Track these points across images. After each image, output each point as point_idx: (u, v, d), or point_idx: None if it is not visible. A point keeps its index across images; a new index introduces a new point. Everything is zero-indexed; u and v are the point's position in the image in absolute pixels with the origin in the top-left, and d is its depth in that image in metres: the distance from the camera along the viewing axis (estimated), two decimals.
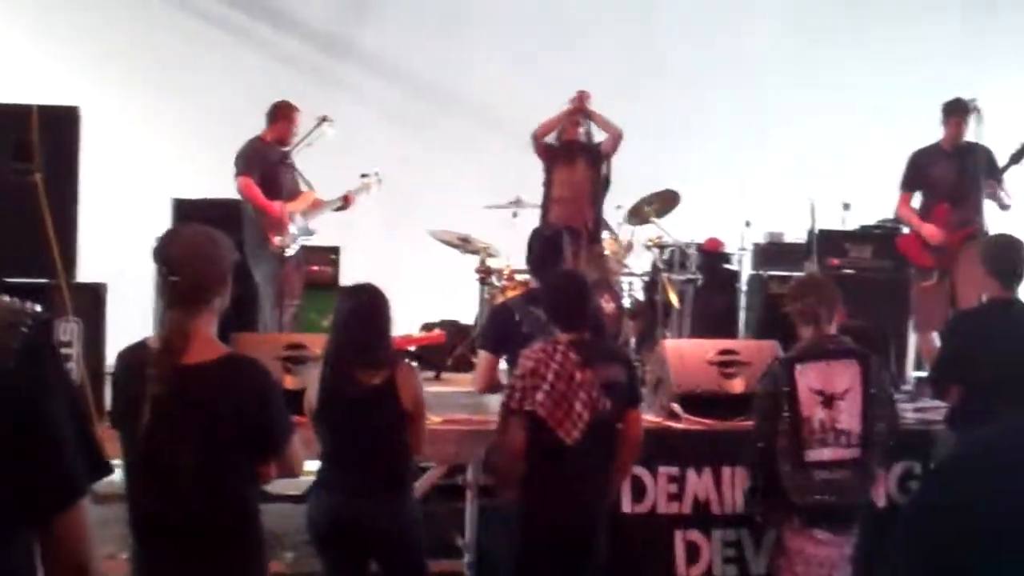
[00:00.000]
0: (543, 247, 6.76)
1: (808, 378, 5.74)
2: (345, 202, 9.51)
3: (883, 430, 5.78)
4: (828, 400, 5.71)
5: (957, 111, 9.10)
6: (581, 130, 9.45)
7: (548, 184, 9.40)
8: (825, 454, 5.70)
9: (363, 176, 9.52)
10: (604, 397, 5.52)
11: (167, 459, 3.94)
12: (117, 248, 9.88)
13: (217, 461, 3.96)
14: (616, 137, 9.35)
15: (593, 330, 5.88)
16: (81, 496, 2.45)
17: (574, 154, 9.38)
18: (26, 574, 2.41)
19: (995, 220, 8.94)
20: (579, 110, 9.44)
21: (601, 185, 9.37)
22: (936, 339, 8.59)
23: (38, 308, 2.41)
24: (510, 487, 5.63)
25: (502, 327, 6.55)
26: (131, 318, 9.38)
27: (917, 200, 9.43)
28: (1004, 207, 9.05)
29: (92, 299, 8.08)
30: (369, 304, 5.40)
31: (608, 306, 8.72)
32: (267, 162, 9.17)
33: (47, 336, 2.45)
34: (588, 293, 5.96)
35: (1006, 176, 9.04)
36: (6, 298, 2.44)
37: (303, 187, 9.39)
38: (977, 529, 1.57)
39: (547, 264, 6.54)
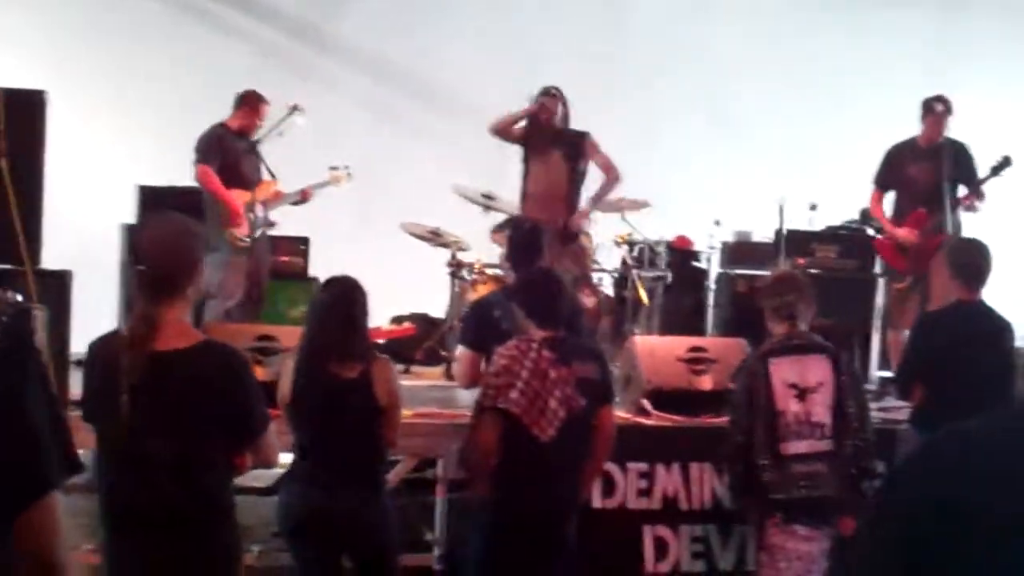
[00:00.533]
0: (522, 242, 6.73)
1: (782, 372, 5.79)
2: (303, 196, 9.40)
3: (854, 414, 5.80)
4: (802, 393, 5.76)
5: (937, 107, 9.02)
6: (558, 114, 9.05)
7: (524, 175, 9.14)
8: (801, 447, 5.74)
9: (332, 169, 9.42)
10: (578, 395, 5.51)
11: (143, 449, 3.92)
12: (82, 235, 9.82)
13: (193, 451, 3.95)
14: (614, 181, 9.10)
15: (568, 327, 5.87)
16: (51, 491, 2.41)
17: (548, 146, 9.04)
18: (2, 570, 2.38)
19: (966, 223, 8.94)
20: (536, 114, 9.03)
21: (578, 181, 9.11)
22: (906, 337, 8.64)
23: (18, 297, 2.37)
24: (482, 483, 5.60)
25: (482, 323, 6.52)
26: (96, 306, 9.35)
27: (890, 198, 9.38)
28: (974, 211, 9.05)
29: (57, 286, 7.99)
30: (346, 297, 5.37)
31: (589, 300, 8.69)
32: (229, 150, 9.06)
33: (26, 327, 2.42)
34: (564, 290, 5.95)
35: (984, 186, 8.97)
36: None
37: (266, 177, 9.26)
38: (948, 521, 1.58)
39: (525, 259, 6.51)
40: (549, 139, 9.02)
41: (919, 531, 1.60)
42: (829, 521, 5.77)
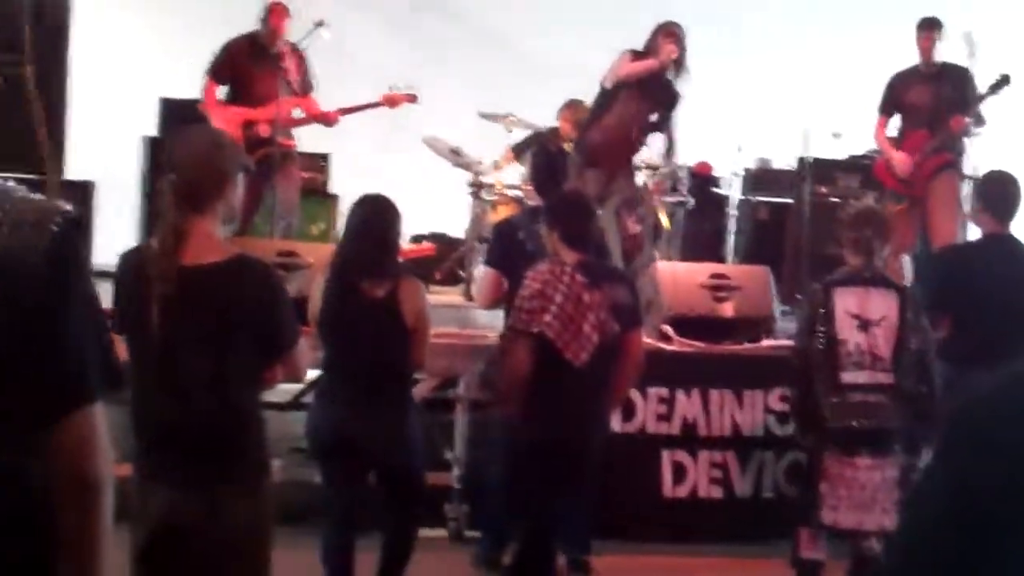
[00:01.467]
0: (546, 165, 6.67)
1: (846, 302, 5.78)
2: (325, 118, 9.03)
3: (917, 351, 5.80)
4: (864, 325, 5.73)
5: (925, 27, 8.92)
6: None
7: (606, 109, 8.54)
8: (861, 377, 5.72)
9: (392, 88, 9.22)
10: (612, 320, 5.48)
11: (177, 363, 3.92)
12: (104, 147, 9.81)
13: (225, 364, 3.94)
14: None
15: (596, 250, 5.84)
16: (91, 402, 2.37)
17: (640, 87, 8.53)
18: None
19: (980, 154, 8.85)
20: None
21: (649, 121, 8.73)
22: (905, 262, 8.59)
23: (68, 207, 2.33)
24: (515, 405, 5.56)
25: (507, 244, 6.48)
26: (117, 218, 9.37)
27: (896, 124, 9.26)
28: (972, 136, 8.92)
29: (80, 196, 8.01)
30: (379, 216, 5.37)
31: (634, 228, 8.61)
32: (241, 66, 8.83)
33: (75, 237, 2.37)
34: (593, 213, 5.92)
35: (983, 105, 8.80)
36: (36, 196, 2.36)
37: (286, 94, 8.85)
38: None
39: (551, 182, 6.46)
40: (647, 82, 8.57)
41: (980, 480, 1.57)
42: (893, 450, 5.77)
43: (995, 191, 6.67)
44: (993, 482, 1.52)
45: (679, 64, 8.46)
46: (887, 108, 9.19)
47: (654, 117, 8.60)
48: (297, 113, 8.92)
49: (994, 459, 1.53)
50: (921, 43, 8.97)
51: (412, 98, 9.23)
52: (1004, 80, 8.70)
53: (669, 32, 8.47)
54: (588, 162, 8.30)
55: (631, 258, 8.12)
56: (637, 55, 8.45)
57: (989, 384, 1.82)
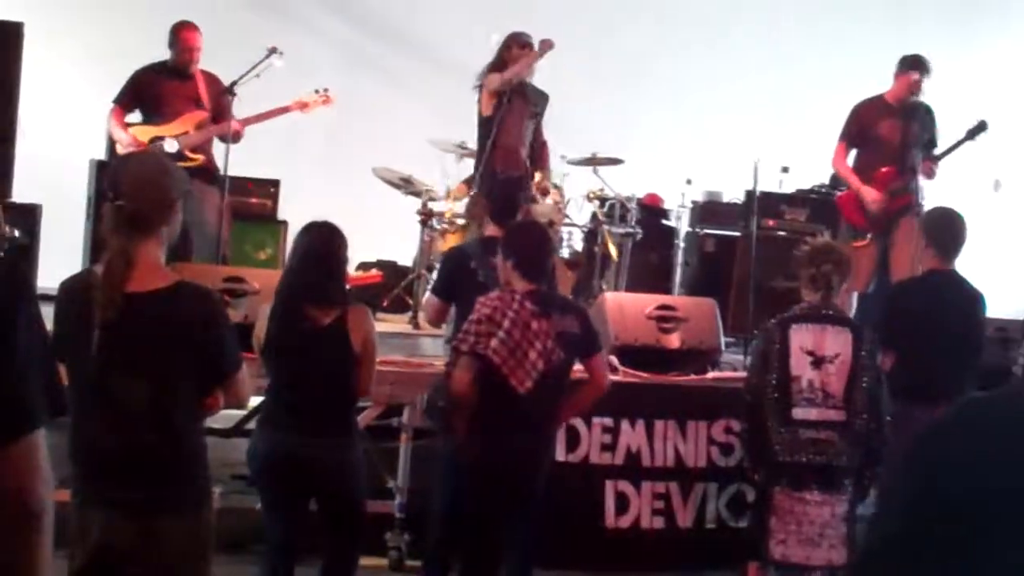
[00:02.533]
0: (506, 193, 6.70)
1: (802, 338, 5.81)
2: (232, 131, 8.63)
3: (868, 389, 5.84)
4: (818, 361, 5.77)
5: (916, 66, 8.82)
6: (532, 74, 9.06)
7: (498, 126, 8.91)
8: (812, 414, 5.76)
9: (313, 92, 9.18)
10: (558, 348, 5.50)
11: (117, 389, 3.91)
12: (53, 169, 9.76)
13: (168, 391, 3.94)
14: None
15: (548, 281, 5.87)
16: (35, 428, 2.37)
17: (518, 97, 8.99)
18: None
19: (933, 192, 8.92)
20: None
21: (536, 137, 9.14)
22: (854, 300, 8.59)
23: (16, 233, 2.33)
24: (459, 426, 5.56)
25: (457, 272, 6.49)
26: (63, 241, 9.30)
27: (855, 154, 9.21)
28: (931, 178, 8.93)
29: (27, 219, 7.95)
30: (325, 242, 5.37)
31: None
32: (149, 88, 8.80)
33: (21, 264, 2.37)
34: (551, 243, 5.95)
35: (959, 150, 8.83)
36: None
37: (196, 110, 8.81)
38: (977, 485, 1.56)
39: (507, 211, 6.48)
40: (519, 91, 8.99)
41: (937, 501, 1.58)
42: (842, 487, 5.80)
43: (940, 228, 6.75)
44: (950, 503, 1.54)
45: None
46: (852, 137, 9.08)
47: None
48: (207, 126, 8.79)
49: (950, 481, 1.55)
50: (904, 82, 8.86)
51: (327, 100, 9.13)
52: (981, 126, 8.72)
53: (524, 43, 8.88)
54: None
55: None
56: (496, 69, 8.80)
57: (946, 412, 1.84)
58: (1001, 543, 1.48)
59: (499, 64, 8.90)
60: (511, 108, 8.86)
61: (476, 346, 5.41)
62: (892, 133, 8.88)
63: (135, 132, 8.64)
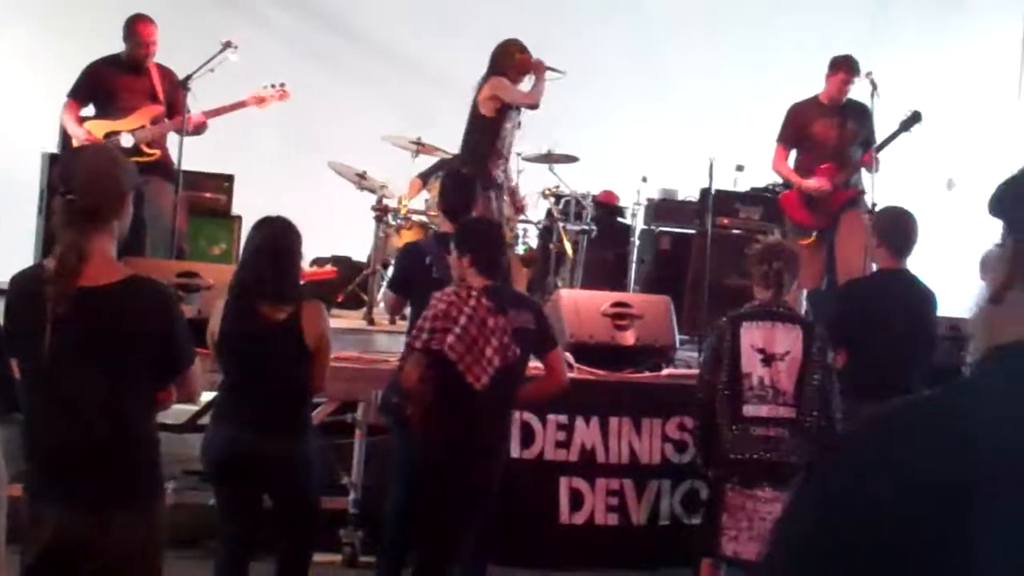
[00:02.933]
0: (460, 190, 6.69)
1: (752, 336, 5.86)
2: (191, 125, 8.60)
3: (819, 387, 5.86)
4: (768, 359, 5.81)
5: (845, 67, 8.92)
6: None
7: (497, 134, 8.82)
8: (762, 411, 5.80)
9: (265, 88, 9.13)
10: (514, 344, 5.50)
11: (70, 384, 3.88)
12: (3, 162, 9.70)
13: (120, 386, 3.91)
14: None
15: (503, 277, 5.87)
16: None
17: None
18: None
19: (878, 187, 8.93)
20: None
21: None
22: (803, 297, 8.61)
23: None
24: (416, 422, 5.55)
25: (412, 267, 6.48)
26: (13, 233, 9.24)
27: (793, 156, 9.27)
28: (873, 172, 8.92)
29: None
30: (279, 237, 5.34)
31: None
32: (102, 82, 8.72)
33: None
34: (503, 239, 5.95)
35: (894, 143, 8.90)
36: None
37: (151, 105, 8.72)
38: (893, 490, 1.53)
39: (462, 208, 6.47)
40: None
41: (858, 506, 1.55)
42: (792, 484, 5.82)
43: (891, 226, 6.79)
44: (875, 508, 1.51)
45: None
46: (789, 138, 9.18)
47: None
48: (163, 121, 8.70)
49: (877, 486, 1.53)
50: (835, 82, 8.97)
51: (282, 95, 9.06)
52: (915, 117, 8.81)
53: (523, 48, 8.84)
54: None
55: None
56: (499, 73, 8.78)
57: (870, 413, 1.82)
58: (929, 552, 1.46)
59: (501, 68, 8.80)
60: (508, 118, 8.84)
61: (430, 343, 5.40)
62: (827, 132, 8.99)
63: (90, 127, 8.56)
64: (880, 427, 1.59)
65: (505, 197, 9.04)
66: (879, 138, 8.93)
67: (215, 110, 8.77)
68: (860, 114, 8.95)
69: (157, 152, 8.67)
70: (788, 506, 1.74)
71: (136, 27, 8.70)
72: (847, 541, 1.49)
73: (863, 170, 8.93)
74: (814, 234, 8.93)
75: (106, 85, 8.72)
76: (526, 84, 8.86)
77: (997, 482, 1.43)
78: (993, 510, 1.42)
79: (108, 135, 8.53)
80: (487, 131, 8.75)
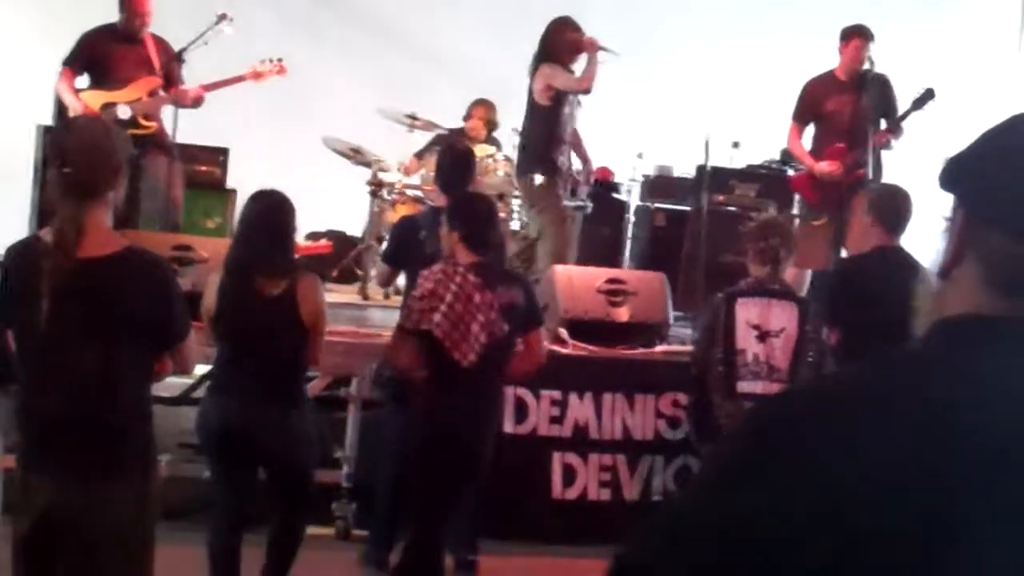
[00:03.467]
0: (453, 164, 6.68)
1: (748, 312, 5.89)
2: (190, 97, 8.68)
3: (814, 364, 5.88)
4: (763, 336, 5.83)
5: (858, 34, 8.72)
6: None
7: (557, 120, 8.80)
8: (757, 387, 5.82)
9: (261, 62, 9.10)
10: (502, 320, 5.51)
11: (66, 355, 3.89)
12: None
13: (116, 358, 3.92)
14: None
15: (496, 253, 5.87)
16: None
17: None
18: None
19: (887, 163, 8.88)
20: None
21: None
22: (807, 277, 8.50)
23: None
24: (413, 399, 5.58)
25: (405, 240, 6.49)
26: (10, 206, 9.24)
27: (809, 133, 9.14)
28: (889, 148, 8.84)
29: None
30: (275, 211, 5.34)
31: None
32: (99, 52, 8.67)
33: None
34: (496, 215, 5.94)
35: (907, 120, 8.72)
36: None
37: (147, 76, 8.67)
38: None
39: (457, 182, 6.46)
40: None
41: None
42: None
43: (886, 204, 6.76)
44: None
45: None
46: (804, 116, 9.01)
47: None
48: (160, 93, 8.69)
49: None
50: (848, 51, 8.76)
51: (280, 69, 9.05)
52: (928, 94, 8.59)
53: (576, 27, 8.73)
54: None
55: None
56: (550, 56, 8.62)
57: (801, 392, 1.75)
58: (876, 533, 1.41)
59: (552, 51, 8.70)
60: (567, 103, 8.82)
61: (419, 324, 5.41)
62: (842, 108, 8.79)
63: (86, 97, 8.53)
64: (819, 407, 1.53)
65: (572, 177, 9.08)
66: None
67: (214, 84, 8.76)
68: (880, 86, 8.75)
69: (154, 125, 8.65)
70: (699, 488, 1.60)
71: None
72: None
73: (882, 148, 8.76)
74: (825, 216, 8.77)
75: (102, 55, 8.68)
76: (580, 64, 8.78)
77: (950, 458, 1.40)
78: (957, 490, 1.39)
79: (105, 106, 8.50)
80: (546, 120, 8.72)
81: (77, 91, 8.59)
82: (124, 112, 8.48)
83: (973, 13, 13.44)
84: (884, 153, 8.80)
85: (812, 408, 1.51)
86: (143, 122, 8.55)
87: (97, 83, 8.69)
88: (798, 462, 1.42)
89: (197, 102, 8.72)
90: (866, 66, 8.72)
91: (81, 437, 3.93)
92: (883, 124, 8.80)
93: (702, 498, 1.51)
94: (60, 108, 9.04)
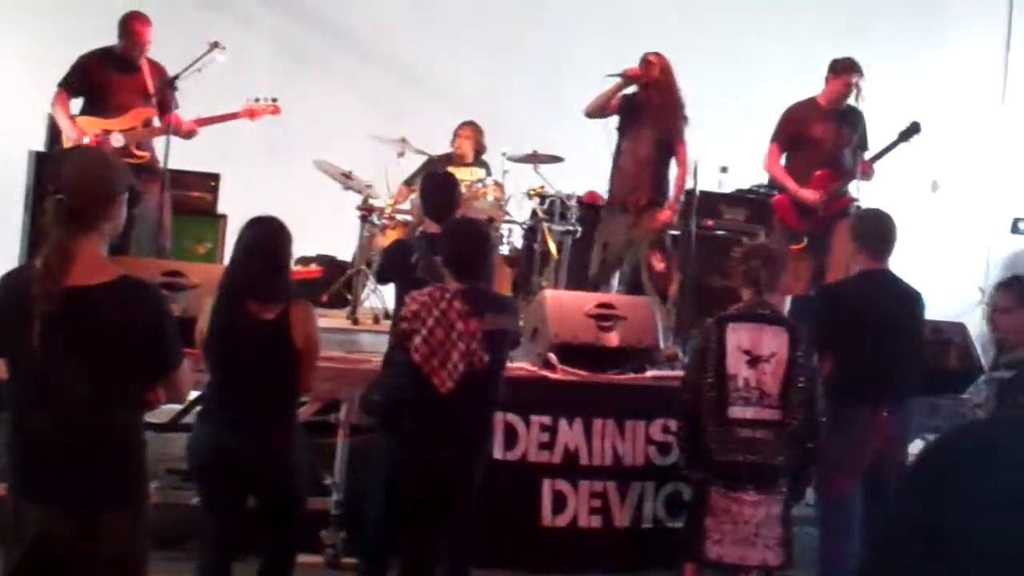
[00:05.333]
0: (444, 191, 6.69)
1: (739, 337, 5.88)
2: (184, 129, 8.75)
3: (804, 389, 5.89)
4: (753, 361, 5.83)
5: (852, 70, 8.81)
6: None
7: (617, 150, 8.93)
8: (748, 412, 5.82)
9: (253, 101, 9.13)
10: (483, 350, 5.52)
11: (55, 383, 3.90)
12: None
13: (106, 386, 3.92)
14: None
15: (486, 279, 5.87)
16: None
17: (641, 121, 8.93)
18: None
19: (870, 193, 8.93)
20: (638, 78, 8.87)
21: (664, 153, 8.99)
22: (787, 302, 8.45)
23: None
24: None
25: (397, 264, 6.50)
26: (3, 232, 9.25)
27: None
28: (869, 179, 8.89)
29: None
30: (269, 237, 5.36)
31: (659, 265, 8.78)
32: (98, 76, 8.67)
33: None
34: (487, 243, 5.95)
35: (892, 152, 8.81)
36: None
37: (147, 106, 8.70)
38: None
39: (444, 208, 6.47)
40: (643, 114, 8.92)
41: (949, 522, 1.55)
42: (777, 487, 5.86)
43: (870, 229, 6.79)
44: (960, 524, 1.51)
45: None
46: (784, 140, 9.08)
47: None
48: (154, 123, 8.69)
49: (960, 502, 1.53)
50: (838, 84, 8.86)
51: (274, 109, 9.14)
52: (914, 127, 8.72)
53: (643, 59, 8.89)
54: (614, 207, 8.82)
55: (663, 294, 8.33)
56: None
57: (954, 430, 1.82)
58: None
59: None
60: (631, 131, 8.89)
61: (403, 341, 5.52)
62: (826, 135, 8.89)
63: (82, 124, 8.54)
64: (956, 453, 1.61)
65: None
66: (875, 147, 8.90)
67: (208, 119, 8.82)
68: (854, 118, 8.87)
69: (147, 155, 8.66)
70: (879, 527, 1.75)
71: (134, 26, 8.69)
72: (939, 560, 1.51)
73: (860, 178, 8.80)
74: (805, 239, 8.83)
75: (99, 80, 8.68)
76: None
77: None
78: None
79: (100, 135, 8.51)
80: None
81: (73, 117, 8.59)
82: (117, 140, 8.49)
83: (958, 44, 13.54)
84: (864, 184, 8.83)
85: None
86: (135, 151, 8.55)
87: (92, 107, 8.68)
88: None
89: (189, 135, 8.78)
90: (854, 101, 8.80)
91: (73, 465, 3.93)
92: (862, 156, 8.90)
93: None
94: (52, 133, 9.06)
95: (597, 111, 8.86)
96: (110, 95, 8.67)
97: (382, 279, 6.74)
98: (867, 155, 8.90)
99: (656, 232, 8.91)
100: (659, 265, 8.84)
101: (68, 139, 8.47)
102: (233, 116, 8.97)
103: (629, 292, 8.72)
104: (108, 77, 8.69)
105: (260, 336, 5.25)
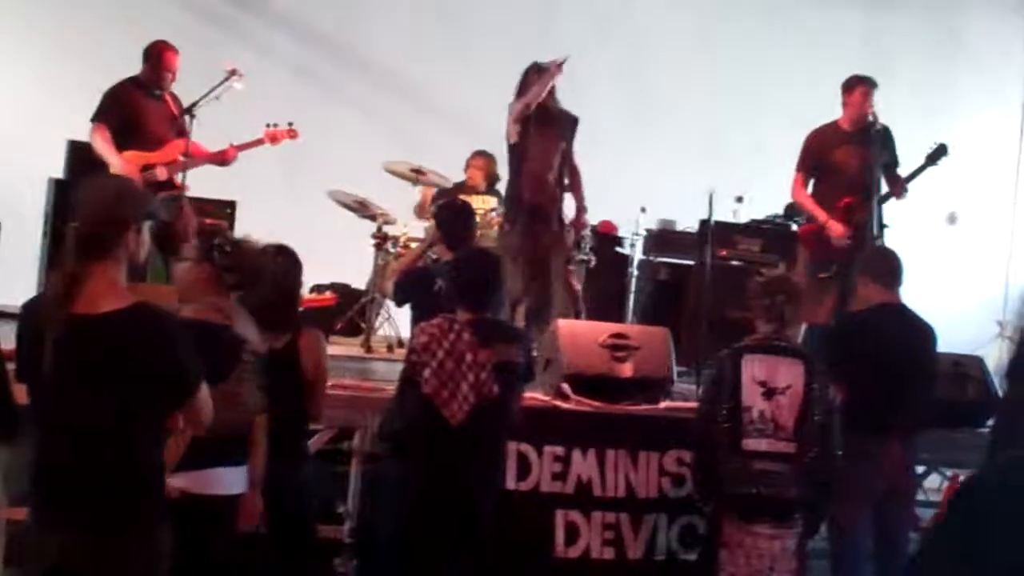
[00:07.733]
0: (456, 219, 6.70)
1: (754, 369, 5.86)
2: (221, 158, 8.97)
3: (820, 422, 5.87)
4: (769, 393, 5.81)
5: (862, 82, 8.76)
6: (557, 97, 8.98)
7: (520, 153, 8.78)
8: (762, 444, 5.80)
9: (270, 127, 9.18)
10: (493, 381, 5.53)
11: (70, 410, 3.90)
12: (11, 187, 9.76)
13: (123, 413, 3.92)
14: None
15: (495, 310, 5.87)
16: None
17: (549, 122, 8.87)
18: None
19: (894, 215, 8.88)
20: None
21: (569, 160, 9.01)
22: (802, 330, 8.38)
23: None
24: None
25: (418, 291, 6.51)
26: (19, 258, 9.29)
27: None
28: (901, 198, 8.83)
29: None
30: (280, 266, 5.36)
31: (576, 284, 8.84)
32: (131, 106, 8.75)
33: None
34: (497, 273, 5.92)
35: (920, 176, 8.78)
36: None
37: (179, 136, 8.80)
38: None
39: (460, 237, 6.48)
40: (545, 116, 8.86)
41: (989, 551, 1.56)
42: (792, 520, 5.84)
43: (875, 262, 6.83)
44: (1001, 554, 1.54)
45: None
46: (809, 166, 8.97)
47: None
48: (191, 155, 8.78)
49: (1001, 532, 1.55)
50: (853, 100, 8.77)
51: (293, 134, 9.21)
52: (942, 150, 8.66)
53: (541, 69, 8.81)
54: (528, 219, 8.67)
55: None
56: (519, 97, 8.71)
57: (996, 462, 1.83)
58: None
59: (521, 93, 8.80)
60: (537, 134, 8.74)
61: (413, 375, 5.51)
62: (849, 159, 8.78)
63: (127, 157, 8.57)
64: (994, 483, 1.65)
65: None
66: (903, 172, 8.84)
67: (244, 145, 8.96)
68: (882, 137, 8.74)
69: (188, 187, 8.81)
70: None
71: (163, 54, 8.79)
72: None
73: (892, 199, 8.80)
74: (834, 267, 8.65)
75: (133, 111, 8.76)
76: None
77: None
78: None
79: (144, 168, 8.57)
80: (513, 156, 8.81)
81: (119, 150, 8.60)
82: (162, 174, 8.56)
83: (976, 75, 13.53)
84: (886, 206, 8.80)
85: None
86: (176, 183, 8.67)
87: (125, 138, 8.69)
88: None
89: (227, 162, 8.97)
90: (870, 117, 8.70)
91: (90, 491, 3.93)
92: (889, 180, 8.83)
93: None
94: (72, 162, 9.12)
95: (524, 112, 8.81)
96: (143, 124, 8.75)
97: (401, 304, 6.69)
98: (898, 171, 8.84)
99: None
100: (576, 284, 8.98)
101: (115, 171, 8.47)
102: (259, 142, 9.06)
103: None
104: (141, 107, 8.78)
105: (270, 365, 5.24)
